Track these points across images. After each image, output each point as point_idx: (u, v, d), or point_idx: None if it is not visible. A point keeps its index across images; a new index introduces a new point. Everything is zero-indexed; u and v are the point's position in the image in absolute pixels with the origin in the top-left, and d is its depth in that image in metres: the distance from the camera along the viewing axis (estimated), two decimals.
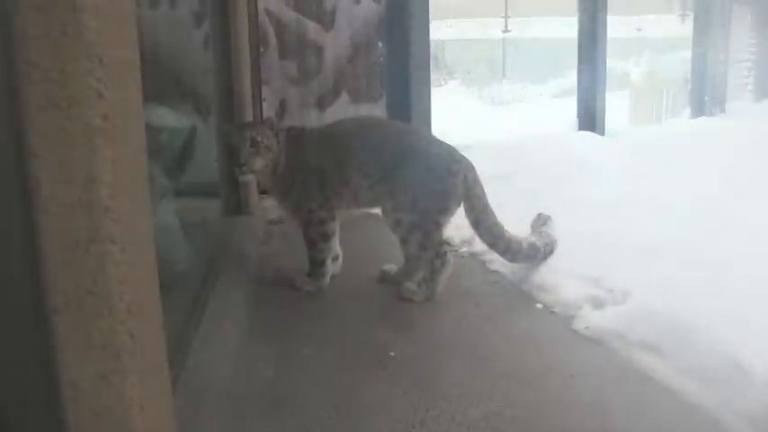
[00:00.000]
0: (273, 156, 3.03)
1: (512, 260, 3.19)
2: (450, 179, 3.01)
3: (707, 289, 2.60)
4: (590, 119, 6.38)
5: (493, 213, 3.09)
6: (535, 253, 3.16)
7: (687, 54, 7.91)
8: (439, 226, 3.03)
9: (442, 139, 3.24)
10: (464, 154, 3.13)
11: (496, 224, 3.09)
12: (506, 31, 14.30)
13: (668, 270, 2.83)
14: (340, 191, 3.11)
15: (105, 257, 1.05)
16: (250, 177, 3.15)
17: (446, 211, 3.03)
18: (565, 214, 3.47)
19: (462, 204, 3.07)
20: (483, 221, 3.07)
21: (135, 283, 1.11)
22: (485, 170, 3.24)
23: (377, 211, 3.19)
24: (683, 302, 2.51)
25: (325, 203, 3.11)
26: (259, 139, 2.95)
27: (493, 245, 3.13)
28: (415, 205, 2.98)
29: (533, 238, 3.21)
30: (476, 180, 3.07)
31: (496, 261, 3.35)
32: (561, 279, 3.04)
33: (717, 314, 2.40)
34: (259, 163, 2.98)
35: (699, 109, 7.38)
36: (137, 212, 1.17)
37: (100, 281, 1.05)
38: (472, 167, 3.08)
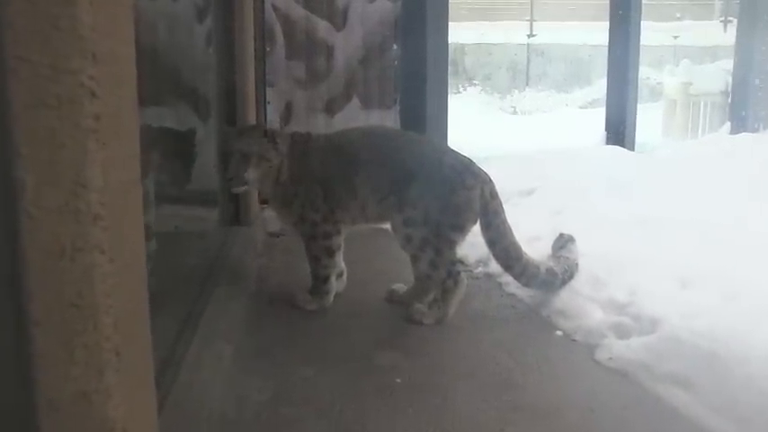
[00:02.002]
0: (271, 164, 3.05)
1: (526, 284, 3.17)
2: (466, 193, 3.00)
3: (741, 319, 2.57)
4: (619, 132, 6.36)
5: (511, 232, 3.08)
6: (553, 279, 3.13)
7: (728, 64, 7.89)
8: (452, 243, 3.02)
9: (458, 150, 3.24)
10: (482, 167, 3.13)
11: (514, 244, 3.08)
12: (531, 35, 14.35)
13: (701, 298, 2.81)
14: (347, 204, 3.12)
15: (92, 268, 1.05)
16: (245, 189, 3.17)
17: (460, 227, 3.02)
18: (589, 235, 3.45)
19: (478, 221, 3.06)
20: (499, 240, 3.06)
21: (123, 296, 1.12)
22: (504, 185, 3.24)
23: (386, 225, 3.19)
24: (715, 333, 2.48)
25: (331, 216, 3.11)
26: (249, 150, 2.98)
27: (508, 266, 3.11)
28: (427, 220, 2.98)
29: (552, 263, 3.18)
30: (493, 195, 3.06)
31: (514, 283, 3.33)
32: (584, 304, 3.02)
33: (752, 346, 2.37)
34: (252, 174, 3.00)
35: (740, 124, 7.33)
36: (128, 221, 1.17)
37: (85, 293, 1.05)
38: (490, 181, 3.08)
